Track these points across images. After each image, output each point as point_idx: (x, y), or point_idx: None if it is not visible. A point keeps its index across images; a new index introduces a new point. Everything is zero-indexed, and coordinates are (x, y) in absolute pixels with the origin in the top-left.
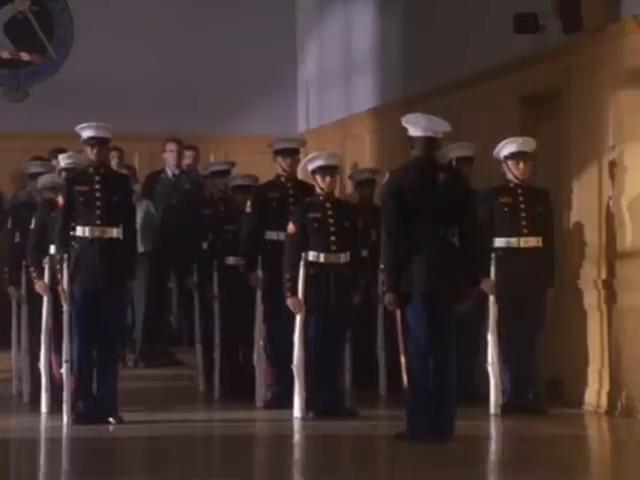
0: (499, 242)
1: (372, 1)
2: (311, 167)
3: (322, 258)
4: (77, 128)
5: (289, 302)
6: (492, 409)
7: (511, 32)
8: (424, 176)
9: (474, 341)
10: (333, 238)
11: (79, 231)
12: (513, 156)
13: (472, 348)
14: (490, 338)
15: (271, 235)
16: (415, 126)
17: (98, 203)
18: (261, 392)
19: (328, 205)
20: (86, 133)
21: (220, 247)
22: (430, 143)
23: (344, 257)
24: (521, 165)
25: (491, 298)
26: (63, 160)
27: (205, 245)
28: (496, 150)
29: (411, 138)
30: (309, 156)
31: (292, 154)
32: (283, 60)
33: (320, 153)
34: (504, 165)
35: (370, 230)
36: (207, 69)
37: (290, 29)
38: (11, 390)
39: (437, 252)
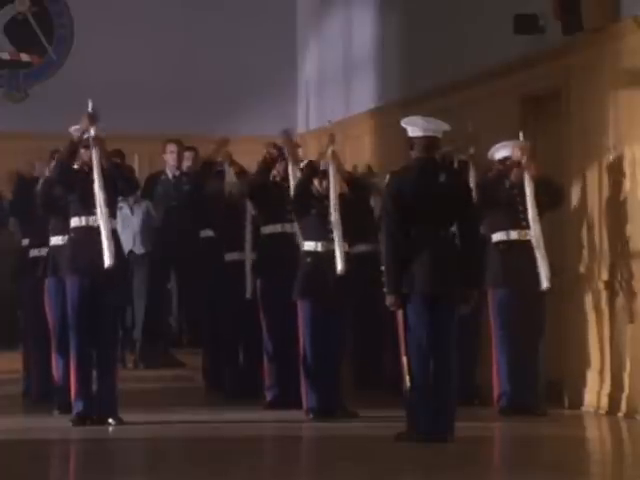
0: (499, 236)
1: (372, 1)
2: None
3: (320, 247)
4: (71, 129)
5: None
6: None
7: (511, 32)
8: (424, 176)
9: (474, 342)
10: (330, 227)
11: (74, 221)
12: (506, 160)
13: (472, 348)
14: None
15: (267, 229)
16: (415, 126)
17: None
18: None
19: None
20: (78, 133)
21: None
22: (430, 143)
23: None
24: (514, 169)
25: None
26: None
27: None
28: (490, 152)
29: (411, 139)
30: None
31: None
32: (283, 60)
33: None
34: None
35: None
36: (207, 69)
37: (290, 29)
38: (12, 390)
39: (438, 253)
